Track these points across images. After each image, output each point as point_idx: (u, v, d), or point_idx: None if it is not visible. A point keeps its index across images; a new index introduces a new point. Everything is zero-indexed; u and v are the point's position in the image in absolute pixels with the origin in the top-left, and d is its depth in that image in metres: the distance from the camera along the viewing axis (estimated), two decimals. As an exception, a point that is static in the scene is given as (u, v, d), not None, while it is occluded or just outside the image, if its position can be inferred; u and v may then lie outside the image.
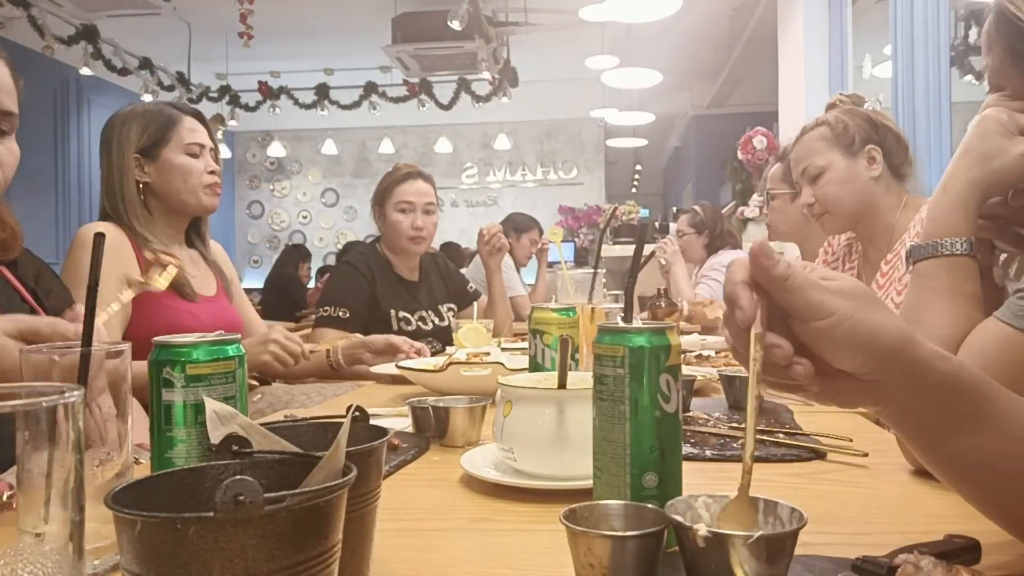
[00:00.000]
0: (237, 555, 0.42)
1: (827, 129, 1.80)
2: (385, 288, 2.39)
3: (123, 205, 1.80)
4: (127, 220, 1.79)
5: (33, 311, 1.23)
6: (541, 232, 5.31)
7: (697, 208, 4.04)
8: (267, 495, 0.42)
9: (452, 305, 2.56)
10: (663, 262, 3.58)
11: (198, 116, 1.92)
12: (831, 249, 2.03)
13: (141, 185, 1.82)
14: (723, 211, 4.27)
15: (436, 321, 2.46)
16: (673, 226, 5.20)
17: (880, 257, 1.77)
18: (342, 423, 0.56)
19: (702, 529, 0.55)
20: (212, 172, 1.87)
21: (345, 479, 0.48)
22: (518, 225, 5.15)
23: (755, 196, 4.23)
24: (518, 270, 5.17)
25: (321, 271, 7.86)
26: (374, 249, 2.51)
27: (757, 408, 0.60)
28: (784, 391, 0.65)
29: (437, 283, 2.57)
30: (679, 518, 0.58)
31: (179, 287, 1.77)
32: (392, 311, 2.37)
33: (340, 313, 2.25)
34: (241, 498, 0.41)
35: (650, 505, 0.64)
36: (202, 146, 1.87)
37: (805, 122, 1.91)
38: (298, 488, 0.46)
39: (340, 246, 8.76)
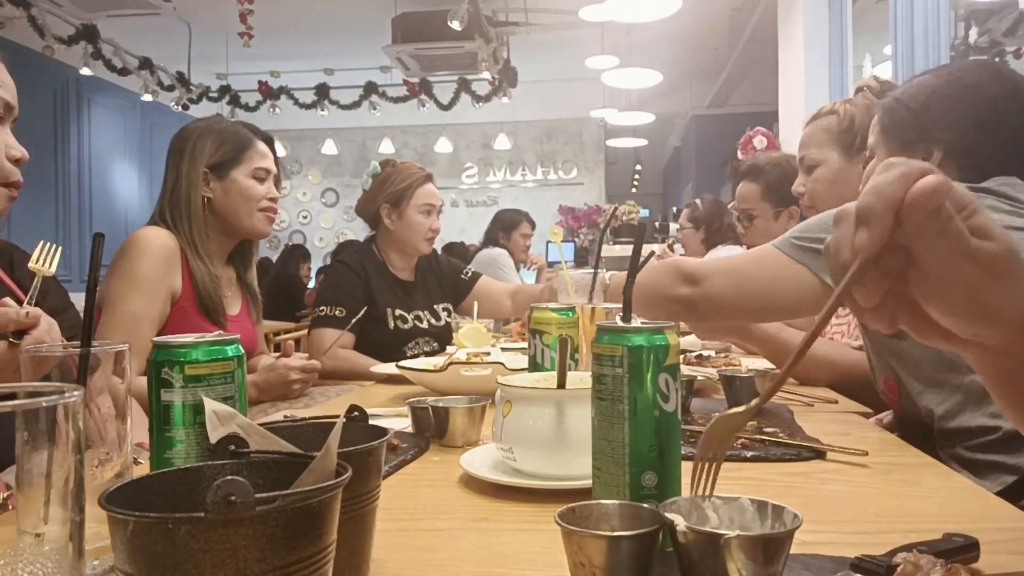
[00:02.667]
0: (228, 555, 0.42)
1: (834, 121, 1.75)
2: (380, 286, 2.38)
3: (186, 216, 1.80)
4: (187, 231, 1.79)
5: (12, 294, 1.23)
6: (532, 225, 5.31)
7: (697, 202, 3.94)
8: (258, 495, 0.42)
9: (448, 305, 2.55)
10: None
11: (269, 142, 1.94)
12: None
13: (205, 200, 1.82)
14: (729, 206, 4.22)
15: (432, 321, 2.45)
16: (674, 226, 5.19)
17: None
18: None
19: (680, 524, 0.56)
20: (272, 199, 1.89)
21: (338, 480, 0.48)
22: (506, 224, 5.17)
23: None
24: (517, 269, 5.17)
25: (321, 271, 7.85)
26: (370, 248, 2.48)
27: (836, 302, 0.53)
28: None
29: (433, 283, 2.56)
30: (672, 516, 0.58)
31: (212, 313, 1.77)
32: (388, 309, 2.36)
33: (336, 312, 2.25)
34: (232, 498, 0.41)
35: (646, 505, 0.64)
36: (268, 171, 1.90)
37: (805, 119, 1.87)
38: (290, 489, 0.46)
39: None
